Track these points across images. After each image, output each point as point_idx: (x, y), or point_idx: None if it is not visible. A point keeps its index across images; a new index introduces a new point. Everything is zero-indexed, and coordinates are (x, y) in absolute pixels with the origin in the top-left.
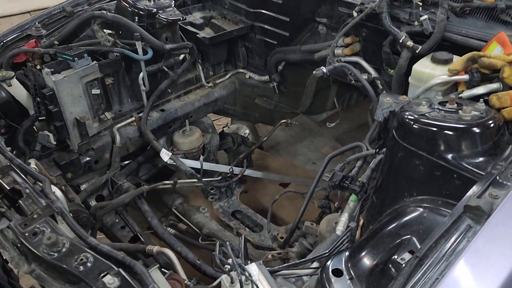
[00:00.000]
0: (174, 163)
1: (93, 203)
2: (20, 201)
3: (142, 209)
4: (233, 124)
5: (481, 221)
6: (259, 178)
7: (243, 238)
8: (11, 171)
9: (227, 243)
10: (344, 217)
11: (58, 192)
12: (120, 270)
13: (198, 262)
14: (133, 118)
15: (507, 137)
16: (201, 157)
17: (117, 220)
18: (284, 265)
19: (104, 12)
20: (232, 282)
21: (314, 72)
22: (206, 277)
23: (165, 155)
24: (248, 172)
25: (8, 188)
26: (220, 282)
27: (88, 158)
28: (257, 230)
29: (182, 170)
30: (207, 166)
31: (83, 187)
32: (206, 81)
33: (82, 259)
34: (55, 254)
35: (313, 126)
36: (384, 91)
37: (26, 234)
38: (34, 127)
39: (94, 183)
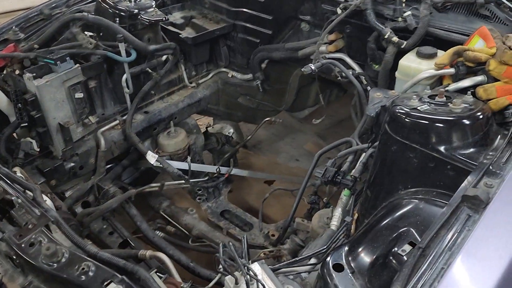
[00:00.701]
0: (161, 166)
1: (79, 209)
2: (12, 211)
3: (131, 213)
4: (216, 124)
5: (479, 210)
6: (244, 177)
7: (245, 238)
8: (1, 181)
9: (230, 243)
10: (337, 212)
11: (49, 201)
12: (124, 277)
13: (192, 264)
14: (117, 121)
15: (495, 127)
16: (189, 158)
17: (104, 226)
18: (284, 263)
19: (85, 14)
20: (236, 283)
21: (302, 69)
22: (201, 279)
23: (152, 158)
24: (234, 171)
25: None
26: (215, 282)
27: (72, 164)
28: (247, 229)
29: (169, 172)
30: (194, 167)
31: (68, 194)
32: (189, 81)
33: (83, 268)
34: (55, 264)
35: (294, 123)
36: (373, 87)
37: (23, 245)
38: (15, 134)
39: (79, 189)
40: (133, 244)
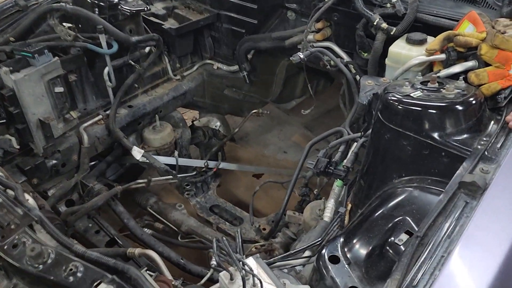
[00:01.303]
0: (147, 161)
1: (62, 208)
2: None
3: (117, 210)
4: (203, 117)
5: (477, 196)
6: (231, 170)
7: (239, 233)
8: None
9: (223, 238)
10: (330, 203)
11: (31, 200)
12: (115, 277)
13: (182, 261)
14: (100, 116)
15: (488, 113)
16: (176, 153)
17: (90, 225)
18: (278, 256)
19: (63, 4)
20: (231, 278)
21: (291, 58)
22: (192, 276)
23: (137, 153)
24: (223, 165)
25: None
26: (207, 279)
27: (54, 161)
28: (237, 224)
29: (156, 168)
30: (182, 161)
31: (50, 192)
32: (174, 73)
33: (71, 269)
34: (41, 266)
35: (281, 115)
36: (362, 75)
37: (5, 247)
38: None
39: (62, 188)
40: (120, 243)
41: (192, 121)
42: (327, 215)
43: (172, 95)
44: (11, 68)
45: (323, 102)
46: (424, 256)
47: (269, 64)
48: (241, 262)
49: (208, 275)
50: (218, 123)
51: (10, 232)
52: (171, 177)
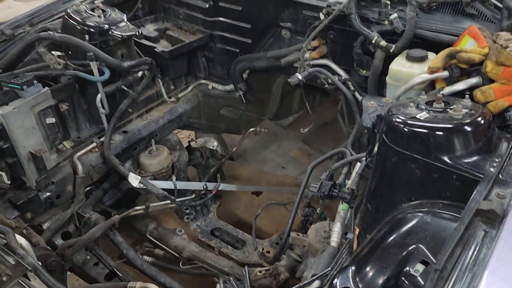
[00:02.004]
0: (145, 187)
1: (59, 241)
2: None
3: (116, 241)
4: (200, 138)
5: (495, 224)
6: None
7: (247, 271)
8: None
9: (231, 278)
10: (336, 227)
11: (24, 242)
12: None
13: None
14: (94, 144)
15: (497, 132)
16: (173, 177)
17: (88, 257)
18: None
19: (51, 32)
20: None
21: (289, 80)
22: None
23: (134, 180)
24: (222, 186)
25: None
26: None
27: (48, 194)
28: (239, 247)
29: (154, 193)
30: (180, 185)
31: (45, 225)
32: (168, 96)
33: None
34: None
35: (278, 130)
36: (360, 92)
37: None
38: None
39: (58, 220)
40: (120, 274)
41: (189, 142)
42: (334, 239)
43: (168, 118)
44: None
45: (319, 116)
46: None
47: (265, 82)
48: None
49: None
50: (216, 143)
51: (2, 285)
52: (169, 202)
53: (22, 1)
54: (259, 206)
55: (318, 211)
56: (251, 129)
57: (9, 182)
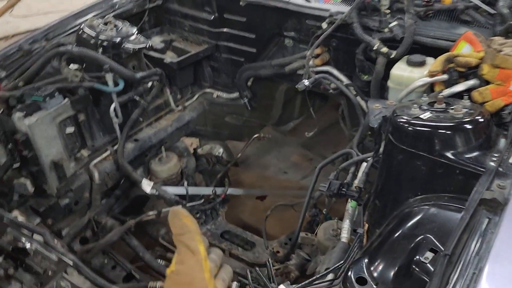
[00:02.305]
0: (157, 193)
1: (77, 247)
2: (27, 260)
3: (132, 244)
4: (205, 145)
5: (498, 212)
6: (234, 196)
7: (270, 262)
8: (8, 228)
9: (257, 269)
10: (346, 224)
11: (59, 243)
12: None
13: None
14: (108, 152)
15: (495, 129)
16: (185, 183)
17: (105, 261)
18: (305, 282)
19: (69, 48)
20: None
21: (297, 86)
22: None
23: (147, 186)
24: (230, 190)
25: (11, 247)
26: None
27: (67, 201)
28: (249, 248)
29: (167, 199)
30: (190, 190)
31: (64, 231)
32: (175, 105)
33: None
34: None
35: (278, 136)
36: (362, 97)
37: None
38: None
39: (76, 226)
40: (137, 276)
41: (194, 149)
42: (344, 235)
43: (176, 126)
44: (24, 113)
45: (317, 121)
46: (455, 275)
47: (269, 89)
48: None
49: None
50: (221, 150)
51: (48, 279)
52: (180, 206)
53: (20, 17)
54: (264, 210)
55: (324, 212)
56: (256, 135)
57: (33, 190)
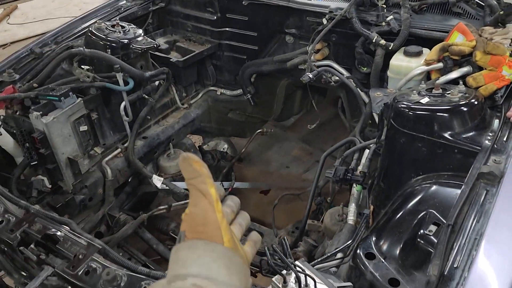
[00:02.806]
0: (167, 188)
1: None
2: (58, 245)
3: (145, 237)
4: (211, 141)
5: (495, 184)
6: (239, 189)
7: (285, 239)
8: (36, 218)
9: (273, 246)
10: (352, 208)
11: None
12: None
13: None
14: (119, 150)
15: (489, 111)
16: None
17: (121, 254)
18: (318, 260)
19: (81, 49)
20: (284, 282)
21: (301, 78)
22: None
23: (158, 181)
24: (236, 184)
25: (39, 235)
26: None
27: (82, 197)
28: None
29: (177, 193)
30: None
31: (80, 226)
32: (181, 102)
33: (145, 287)
34: None
35: (279, 132)
36: (361, 88)
37: (79, 274)
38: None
39: (91, 221)
40: (152, 268)
41: (199, 146)
42: (351, 218)
43: (182, 123)
44: (40, 112)
45: (315, 116)
46: (458, 241)
47: (270, 85)
48: (293, 265)
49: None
50: (226, 146)
51: (80, 262)
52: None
53: (17, 24)
54: (268, 204)
55: (328, 201)
56: (259, 130)
57: (50, 186)
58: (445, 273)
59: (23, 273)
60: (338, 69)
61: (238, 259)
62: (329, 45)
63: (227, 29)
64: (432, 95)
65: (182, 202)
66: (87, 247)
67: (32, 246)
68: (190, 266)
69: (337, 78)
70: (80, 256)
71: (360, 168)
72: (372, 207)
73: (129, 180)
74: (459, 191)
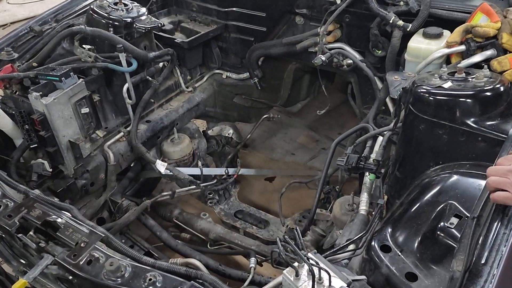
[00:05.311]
0: (171, 173)
1: None
2: (58, 233)
3: (148, 224)
4: (216, 126)
5: None
6: (244, 176)
7: (298, 230)
8: (36, 204)
9: (286, 237)
10: (364, 197)
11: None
12: (194, 283)
13: (221, 267)
14: (122, 134)
15: None
16: (199, 163)
17: (123, 241)
18: (329, 251)
19: (82, 27)
20: (296, 274)
21: (313, 61)
22: (233, 281)
23: (161, 167)
24: (242, 171)
25: (39, 222)
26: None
27: (84, 181)
28: (263, 227)
29: (181, 179)
30: (204, 171)
31: (82, 212)
32: (185, 86)
33: (151, 279)
34: (119, 279)
35: (284, 118)
36: (374, 72)
37: (81, 264)
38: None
39: (92, 207)
40: (156, 255)
41: (203, 131)
42: (363, 208)
43: (187, 107)
44: (40, 92)
45: (322, 102)
46: (483, 235)
47: (278, 69)
48: (306, 257)
49: (250, 278)
50: (231, 131)
51: (81, 250)
52: (194, 187)
53: (18, 3)
54: (273, 191)
55: (337, 189)
56: (265, 115)
57: (50, 170)
58: (472, 269)
59: (22, 260)
60: (350, 52)
61: None
62: (341, 26)
63: (234, 9)
64: (455, 79)
65: (186, 188)
66: (89, 235)
67: (31, 233)
68: None
69: (350, 61)
70: (82, 245)
71: (373, 156)
72: (386, 197)
73: (132, 165)
74: (482, 182)
